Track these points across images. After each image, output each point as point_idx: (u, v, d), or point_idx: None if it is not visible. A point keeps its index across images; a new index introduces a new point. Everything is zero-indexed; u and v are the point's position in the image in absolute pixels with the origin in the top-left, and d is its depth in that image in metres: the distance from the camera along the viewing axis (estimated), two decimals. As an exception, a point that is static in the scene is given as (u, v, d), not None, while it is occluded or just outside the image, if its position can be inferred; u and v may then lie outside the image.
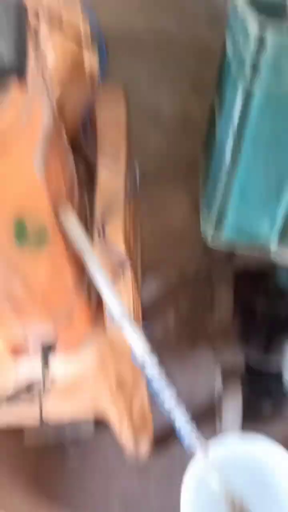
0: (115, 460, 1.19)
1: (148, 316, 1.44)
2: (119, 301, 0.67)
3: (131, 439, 0.99)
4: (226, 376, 1.12)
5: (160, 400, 0.73)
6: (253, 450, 0.99)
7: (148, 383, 0.73)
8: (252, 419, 1.18)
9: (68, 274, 0.69)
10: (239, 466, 1.01)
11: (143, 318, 1.39)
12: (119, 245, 0.76)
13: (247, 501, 0.95)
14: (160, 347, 1.37)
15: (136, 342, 0.69)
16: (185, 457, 1.15)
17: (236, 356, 1.30)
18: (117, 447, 1.15)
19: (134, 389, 0.88)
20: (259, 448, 0.98)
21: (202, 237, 1.00)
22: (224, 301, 1.22)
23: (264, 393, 1.13)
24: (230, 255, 1.10)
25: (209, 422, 1.23)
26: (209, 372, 1.29)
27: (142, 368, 0.71)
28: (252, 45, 0.72)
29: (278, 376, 1.06)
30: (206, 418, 1.24)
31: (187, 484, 0.94)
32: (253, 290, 1.16)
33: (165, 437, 1.20)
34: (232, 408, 1.09)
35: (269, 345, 1.05)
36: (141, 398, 0.90)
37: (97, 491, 1.16)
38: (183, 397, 1.26)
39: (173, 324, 1.42)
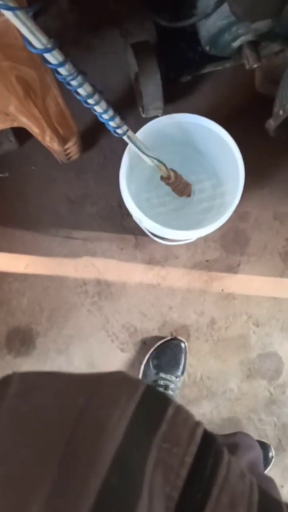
0: (49, 168, 1.19)
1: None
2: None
3: (57, 142, 0.96)
4: (139, 53, 1.03)
5: (79, 97, 0.67)
6: (178, 122, 1.00)
7: (63, 83, 0.65)
8: (171, 93, 1.16)
9: None
10: (168, 138, 1.05)
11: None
12: None
13: (179, 167, 1.03)
14: (61, 40, 1.22)
15: (32, 35, 0.57)
16: (115, 147, 1.18)
17: (145, 29, 1.18)
18: (48, 155, 1.14)
19: (43, 91, 0.79)
20: (184, 119, 0.99)
21: None
22: None
23: (181, 62, 1.06)
24: None
25: (132, 108, 1.21)
26: (121, 56, 1.19)
27: (47, 64, 0.61)
28: None
29: (193, 39, 0.98)
30: (128, 104, 1.22)
31: (123, 167, 0.97)
32: None
33: (91, 133, 1.19)
34: (151, 83, 1.04)
35: (180, 2, 0.92)
36: (54, 97, 0.82)
37: (38, 196, 1.20)
38: (100, 88, 1.20)
39: (67, 7, 1.21)
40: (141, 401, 0.40)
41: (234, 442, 0.88)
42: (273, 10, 0.68)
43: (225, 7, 0.78)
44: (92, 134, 1.20)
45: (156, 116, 1.01)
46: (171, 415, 0.40)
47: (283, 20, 0.76)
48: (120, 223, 1.21)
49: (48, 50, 0.62)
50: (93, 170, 1.21)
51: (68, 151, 1.08)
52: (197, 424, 0.40)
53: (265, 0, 0.65)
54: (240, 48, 0.89)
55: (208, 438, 0.40)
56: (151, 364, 1.17)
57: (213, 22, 0.84)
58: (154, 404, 0.40)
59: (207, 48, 0.94)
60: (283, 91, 0.95)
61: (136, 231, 1.19)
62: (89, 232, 1.20)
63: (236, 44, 0.88)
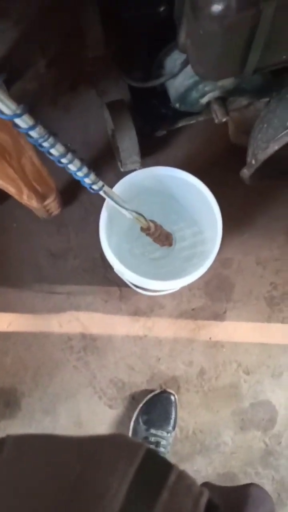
0: (30, 224, 1.20)
1: (11, 68, 1.26)
2: None
3: (35, 200, 0.97)
4: (114, 111, 1.06)
5: (53, 157, 0.68)
6: (156, 174, 1.02)
7: (36, 145, 0.66)
8: (148, 147, 1.19)
9: None
10: (146, 190, 1.07)
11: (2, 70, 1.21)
12: None
13: (158, 217, 1.04)
14: (39, 101, 1.26)
15: (0, 103, 0.58)
16: (95, 200, 1.19)
17: (120, 88, 1.22)
18: (28, 212, 1.15)
19: (18, 153, 0.81)
20: (161, 172, 1.01)
21: None
22: (92, 25, 1.05)
23: (155, 117, 1.10)
24: None
25: (111, 162, 1.23)
26: (97, 114, 1.23)
27: (17, 128, 0.62)
28: None
29: (165, 96, 1.02)
30: (106, 159, 1.24)
31: (102, 220, 0.98)
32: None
33: (70, 188, 1.21)
34: (127, 139, 1.07)
35: (149, 60, 0.96)
36: (29, 158, 0.84)
37: (20, 253, 1.21)
38: (78, 146, 1.23)
39: (44, 71, 1.26)
40: (141, 467, 0.38)
41: (246, 495, 0.83)
42: (234, 69, 0.71)
43: (190, 67, 0.82)
44: (72, 188, 1.21)
45: (134, 170, 1.03)
46: (173, 482, 0.38)
47: (247, 76, 0.79)
48: (104, 275, 1.20)
49: (17, 116, 0.63)
50: (74, 223, 1.22)
51: (48, 207, 1.09)
52: (201, 492, 0.38)
53: (226, 60, 0.68)
54: (208, 103, 0.92)
55: (213, 508, 0.37)
56: (140, 420, 1.13)
57: (180, 81, 0.87)
58: (155, 470, 0.39)
59: (177, 105, 0.97)
60: (254, 142, 0.97)
61: (120, 282, 1.18)
62: (72, 285, 1.19)
63: (204, 100, 0.91)
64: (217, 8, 0.60)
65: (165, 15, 0.92)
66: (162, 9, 0.90)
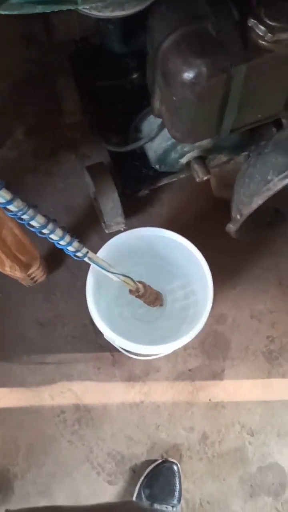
0: (16, 293, 1.17)
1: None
2: None
3: (18, 270, 0.94)
4: (95, 175, 1.06)
5: (33, 229, 0.66)
6: (140, 235, 1.01)
7: (15, 218, 0.65)
8: (132, 207, 1.18)
9: None
10: (132, 251, 1.05)
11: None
12: None
13: (147, 278, 1.02)
14: (19, 168, 1.26)
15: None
16: (83, 264, 1.17)
17: (99, 151, 1.23)
18: (14, 281, 1.12)
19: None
20: (146, 232, 1.00)
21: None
22: (68, 93, 1.07)
23: (137, 178, 1.10)
24: (47, 29, 0.91)
25: (95, 224, 1.22)
26: (78, 177, 1.23)
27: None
28: None
29: (145, 157, 1.02)
30: (90, 221, 1.23)
31: (89, 286, 0.96)
32: (93, 69, 1.01)
33: (56, 253, 1.18)
34: (110, 201, 1.06)
35: (126, 125, 0.97)
36: (10, 229, 0.82)
37: (6, 324, 1.17)
38: (60, 210, 1.22)
39: (23, 138, 1.27)
40: None
41: None
42: (210, 131, 0.71)
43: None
44: (57, 253, 1.18)
45: (119, 231, 1.01)
46: None
47: (224, 135, 0.79)
48: (95, 340, 1.16)
49: (-6, 192, 0.62)
50: (62, 289, 1.19)
51: (33, 275, 1.06)
52: None
53: (202, 124, 0.68)
54: (189, 163, 0.92)
55: None
56: (143, 495, 1.05)
57: (158, 143, 0.88)
58: None
59: (157, 166, 0.97)
60: (238, 197, 0.97)
61: (112, 347, 1.13)
62: (62, 354, 1.14)
63: (183, 160, 0.91)
64: (188, 75, 0.60)
65: (138, 82, 0.94)
66: (134, 76, 0.93)
